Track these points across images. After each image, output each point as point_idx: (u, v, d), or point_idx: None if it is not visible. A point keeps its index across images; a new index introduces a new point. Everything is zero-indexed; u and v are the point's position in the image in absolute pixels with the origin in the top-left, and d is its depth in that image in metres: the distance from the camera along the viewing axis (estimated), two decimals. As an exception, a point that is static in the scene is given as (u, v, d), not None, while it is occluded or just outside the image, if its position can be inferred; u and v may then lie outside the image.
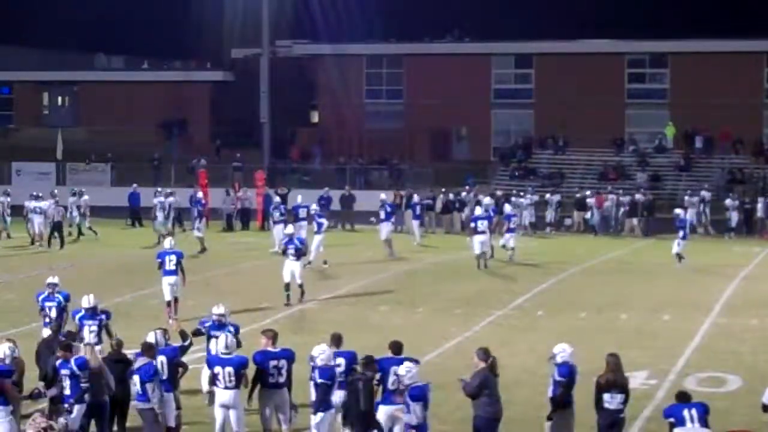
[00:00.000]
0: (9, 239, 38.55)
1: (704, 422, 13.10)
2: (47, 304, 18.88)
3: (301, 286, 26.31)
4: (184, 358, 15.80)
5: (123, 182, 49.88)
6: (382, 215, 36.20)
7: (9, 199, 39.93)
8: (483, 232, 32.54)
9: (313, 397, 14.31)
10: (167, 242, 25.79)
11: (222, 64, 68.28)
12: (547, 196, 46.35)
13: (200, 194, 40.05)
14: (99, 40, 70.70)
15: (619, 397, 14.12)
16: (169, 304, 24.30)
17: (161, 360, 14.99)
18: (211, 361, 14.95)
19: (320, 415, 14.17)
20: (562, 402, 14.38)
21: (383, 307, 26.23)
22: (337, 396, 14.52)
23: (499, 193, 45.25)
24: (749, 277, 32.13)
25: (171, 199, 39.31)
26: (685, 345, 22.20)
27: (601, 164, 54.82)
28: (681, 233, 33.57)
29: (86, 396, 14.50)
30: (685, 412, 13.14)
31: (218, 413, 14.72)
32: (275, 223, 34.99)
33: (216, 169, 51.12)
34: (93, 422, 14.76)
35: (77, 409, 14.42)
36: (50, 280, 19.16)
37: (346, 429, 14.22)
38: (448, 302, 26.96)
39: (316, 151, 58.61)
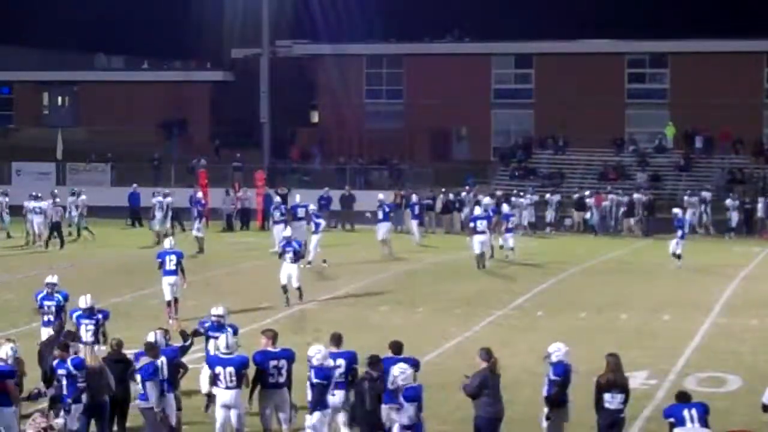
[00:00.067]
0: (9, 239, 38.53)
1: (704, 422, 13.10)
2: (46, 303, 18.87)
3: (299, 288, 26.26)
4: (184, 359, 15.79)
5: (123, 182, 49.88)
6: (380, 215, 36.22)
7: (7, 199, 39.95)
8: (482, 232, 32.56)
9: (309, 396, 14.33)
10: (167, 242, 25.79)
11: (222, 64, 68.28)
12: (547, 196, 46.36)
13: (200, 194, 40.06)
14: (99, 40, 70.70)
15: (620, 397, 14.12)
16: (169, 304, 24.29)
17: (161, 360, 14.98)
18: (212, 362, 14.94)
19: (316, 414, 14.18)
20: (557, 401, 14.38)
21: (383, 307, 26.23)
22: (337, 396, 14.52)
23: (498, 193, 45.26)
24: (749, 277, 32.13)
25: (169, 199, 39.30)
26: (685, 345, 22.20)
27: (601, 164, 54.83)
28: (679, 233, 33.58)
29: (83, 396, 14.49)
30: (685, 412, 13.13)
31: (219, 413, 14.71)
32: (275, 223, 34.99)
33: (216, 169, 51.13)
34: (93, 422, 14.76)
35: (75, 409, 14.42)
36: (49, 279, 19.15)
37: (354, 429, 14.21)
38: (448, 302, 26.96)
39: (315, 151, 58.61)
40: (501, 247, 34.56)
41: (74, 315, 17.98)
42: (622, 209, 44.53)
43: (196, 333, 16.73)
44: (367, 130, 60.18)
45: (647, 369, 19.72)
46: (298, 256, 26.43)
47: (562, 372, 14.43)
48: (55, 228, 36.81)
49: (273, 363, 14.67)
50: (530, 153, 56.69)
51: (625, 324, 24.53)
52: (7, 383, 13.95)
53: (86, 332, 17.54)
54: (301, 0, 60.29)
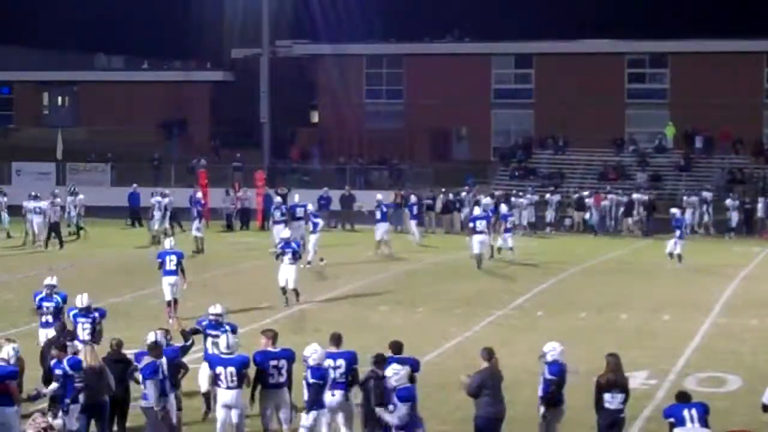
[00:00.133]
0: (9, 239, 38.53)
1: (704, 422, 13.09)
2: (45, 304, 18.85)
3: (295, 290, 26.23)
4: (184, 359, 15.78)
5: (123, 182, 49.88)
6: (378, 215, 36.25)
7: (5, 199, 39.96)
8: (482, 232, 32.57)
9: (305, 396, 14.33)
10: (167, 242, 25.81)
11: (222, 64, 68.29)
12: (547, 196, 46.37)
13: (199, 194, 40.05)
14: (99, 40, 70.71)
15: (620, 397, 14.12)
16: (169, 304, 24.30)
17: (162, 360, 14.98)
18: (213, 362, 14.94)
19: (312, 414, 14.18)
20: (553, 400, 14.37)
21: (383, 307, 26.23)
22: (337, 396, 14.51)
23: (497, 193, 45.26)
24: (749, 277, 32.13)
25: (167, 199, 39.27)
26: (685, 345, 22.20)
27: (601, 164, 54.85)
28: (677, 233, 33.59)
29: (81, 396, 14.47)
30: (685, 412, 13.13)
31: (220, 413, 14.71)
32: (275, 223, 34.98)
33: (216, 169, 51.14)
34: (93, 422, 14.75)
35: (73, 409, 14.41)
36: (48, 281, 19.10)
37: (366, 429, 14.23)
38: (448, 302, 26.96)
39: (315, 151, 58.63)
40: (499, 248, 34.54)
41: (71, 314, 17.99)
42: (621, 209, 44.53)
43: (195, 331, 16.72)
44: (367, 130, 60.18)
45: (647, 369, 19.72)
46: (296, 257, 26.40)
47: (558, 371, 14.43)
48: (53, 228, 36.79)
49: (273, 363, 14.67)
50: (530, 153, 56.71)
51: (625, 324, 24.53)
52: (9, 384, 13.95)
53: (83, 331, 17.55)
54: (301, 0, 60.31)
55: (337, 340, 14.96)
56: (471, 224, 33.31)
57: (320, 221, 33.73)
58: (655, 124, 57.64)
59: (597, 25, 61.17)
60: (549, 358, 14.50)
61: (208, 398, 16.18)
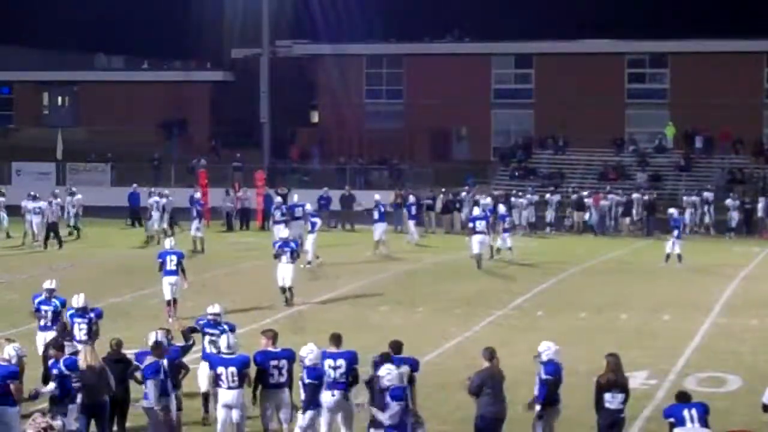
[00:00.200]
0: (8, 239, 38.55)
1: (704, 422, 13.09)
2: (43, 308, 18.83)
3: (290, 289, 26.20)
4: (185, 359, 15.78)
5: (123, 182, 49.90)
6: (376, 215, 36.27)
7: (4, 199, 39.97)
8: (481, 232, 32.59)
9: (302, 396, 14.33)
10: (168, 242, 25.83)
11: (222, 64, 68.29)
12: (547, 196, 46.36)
13: (198, 194, 40.01)
14: (99, 40, 70.72)
15: (620, 397, 14.12)
16: (168, 303, 24.31)
17: (164, 360, 14.97)
18: (214, 362, 14.94)
19: (309, 414, 14.18)
20: (550, 400, 14.37)
21: (383, 307, 26.23)
22: (337, 396, 14.51)
23: (495, 192, 45.24)
24: (749, 277, 32.13)
25: (165, 199, 39.25)
26: (685, 345, 22.20)
27: (601, 164, 54.85)
28: (675, 233, 33.58)
29: (79, 396, 14.45)
30: (685, 412, 13.13)
31: (220, 413, 14.71)
32: (276, 222, 34.99)
33: (216, 169, 51.15)
34: (93, 422, 14.75)
35: (71, 410, 14.40)
36: (47, 285, 19.03)
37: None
38: (448, 302, 26.96)
39: (314, 151, 58.63)
40: (498, 249, 34.53)
41: (67, 314, 17.97)
42: (620, 209, 44.52)
43: (193, 330, 16.67)
44: (367, 130, 60.19)
45: (647, 369, 19.72)
46: (294, 257, 26.34)
47: (554, 371, 14.42)
48: (51, 228, 36.79)
49: (273, 363, 14.67)
50: (530, 153, 56.71)
51: (625, 324, 24.53)
52: (11, 383, 13.96)
53: (79, 331, 17.54)
54: (301, 0, 60.31)
55: (337, 340, 14.96)
56: (470, 224, 33.32)
57: (318, 221, 33.74)
58: (655, 124, 57.65)
59: (597, 25, 61.18)
60: (544, 357, 14.50)
61: (207, 400, 16.14)
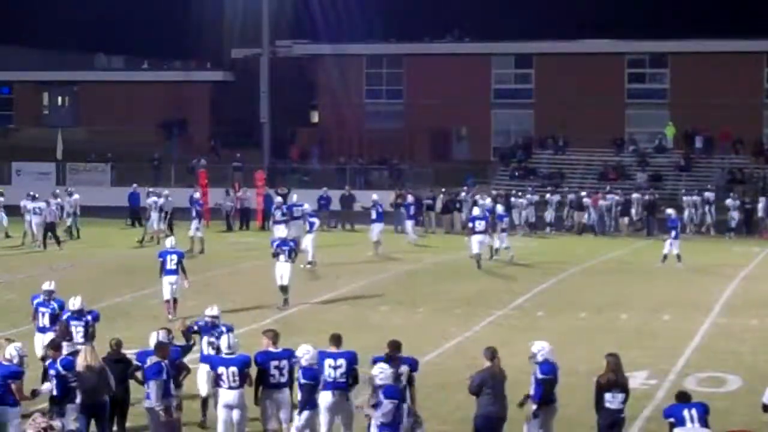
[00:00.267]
0: (7, 239, 38.55)
1: (704, 422, 13.10)
2: (41, 309, 18.82)
3: (287, 287, 26.08)
4: (185, 359, 15.77)
5: (123, 182, 49.90)
6: (373, 215, 36.29)
7: (3, 199, 39.97)
8: (481, 232, 32.59)
9: (298, 397, 14.32)
10: (168, 242, 25.83)
11: (222, 64, 68.32)
12: (547, 196, 46.36)
13: (197, 194, 39.97)
14: (99, 40, 70.74)
15: (620, 397, 14.12)
16: (168, 302, 24.32)
17: (166, 361, 14.95)
18: (215, 362, 14.94)
19: (305, 414, 14.18)
20: (546, 399, 14.38)
21: (383, 307, 26.23)
22: (338, 396, 14.51)
23: (494, 192, 45.23)
24: (749, 277, 32.12)
25: (162, 200, 39.22)
26: (685, 345, 22.20)
27: (601, 164, 54.87)
28: (673, 233, 33.57)
29: (78, 396, 14.44)
30: (685, 412, 13.13)
31: (221, 413, 14.71)
32: (276, 222, 35.00)
33: (216, 169, 51.15)
34: (93, 422, 14.75)
35: (69, 410, 14.39)
36: (46, 287, 18.99)
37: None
38: (448, 302, 26.95)
39: (314, 151, 58.64)
40: (497, 249, 34.51)
41: (64, 317, 17.93)
42: (619, 209, 44.50)
43: (195, 331, 16.63)
44: (367, 130, 60.21)
45: (647, 369, 19.72)
46: (292, 256, 26.27)
47: (549, 370, 14.42)
48: (49, 228, 36.78)
49: (274, 363, 14.66)
50: (530, 153, 56.73)
51: (625, 324, 24.53)
52: (13, 383, 13.96)
53: (76, 334, 17.49)
54: (301, 0, 60.32)
55: (337, 340, 14.95)
56: (470, 224, 33.31)
57: (316, 221, 33.72)
58: (655, 124, 57.67)
59: (597, 25, 61.20)
60: (539, 358, 14.49)
61: (206, 404, 16.09)
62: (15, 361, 14.31)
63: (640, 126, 58.74)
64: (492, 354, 14.46)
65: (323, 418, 14.59)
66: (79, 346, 16.28)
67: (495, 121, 61.26)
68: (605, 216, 44.04)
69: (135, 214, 44.13)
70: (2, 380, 13.95)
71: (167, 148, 59.29)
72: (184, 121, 63.41)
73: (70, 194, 40.54)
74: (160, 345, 14.87)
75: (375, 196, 38.55)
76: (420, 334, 22.38)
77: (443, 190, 45.55)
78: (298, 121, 64.05)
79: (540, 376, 14.39)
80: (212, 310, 16.72)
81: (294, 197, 37.62)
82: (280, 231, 33.57)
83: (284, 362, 14.70)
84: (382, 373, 13.73)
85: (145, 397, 14.63)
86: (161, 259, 24.58)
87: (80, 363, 14.58)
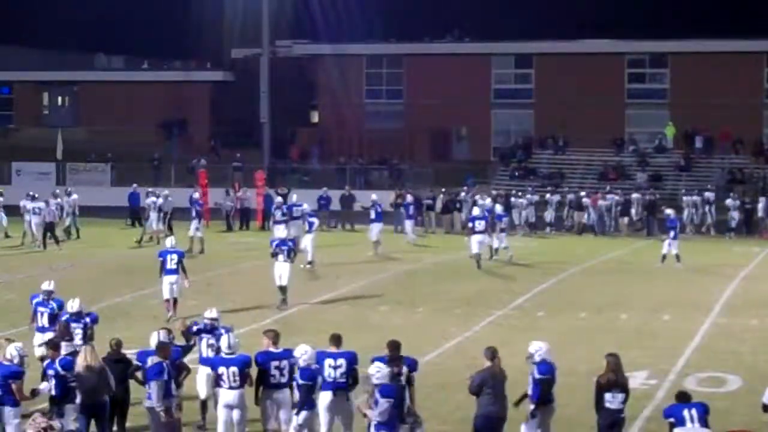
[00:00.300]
0: (7, 238, 38.55)
1: (704, 422, 13.09)
2: (40, 309, 18.83)
3: (285, 288, 26.03)
4: (185, 360, 15.77)
5: (123, 182, 49.90)
6: (372, 215, 36.29)
7: (2, 199, 39.98)
8: (480, 232, 32.59)
9: (296, 397, 14.32)
10: (168, 241, 25.84)
11: (222, 64, 68.32)
12: (547, 196, 46.35)
13: (196, 195, 39.95)
14: (99, 40, 70.74)
15: (620, 397, 14.12)
16: (167, 300, 24.33)
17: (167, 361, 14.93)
18: (215, 362, 14.94)
19: (303, 414, 14.17)
20: (544, 399, 14.38)
21: (383, 307, 26.23)
22: (338, 397, 14.51)
23: (494, 193, 45.23)
24: (749, 277, 32.12)
25: (160, 199, 39.22)
26: (685, 345, 22.20)
27: (601, 164, 54.87)
28: (671, 234, 33.57)
29: (77, 396, 14.44)
30: (685, 412, 13.13)
31: (222, 413, 14.70)
32: (276, 222, 35.00)
33: (216, 169, 51.15)
34: (93, 422, 14.75)
35: (68, 410, 14.37)
36: (45, 287, 18.99)
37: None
38: (448, 302, 26.95)
39: (314, 151, 58.64)
40: (496, 249, 34.50)
41: (63, 318, 17.91)
42: (619, 209, 44.50)
43: (196, 332, 16.62)
44: (367, 130, 60.21)
45: (647, 369, 19.72)
46: (290, 256, 26.24)
47: (547, 370, 14.42)
48: (48, 228, 36.79)
49: (275, 363, 14.65)
50: (530, 153, 56.72)
51: (625, 324, 24.53)
52: (14, 383, 13.96)
53: (75, 336, 17.48)
54: (301, 0, 60.32)
55: (337, 340, 14.95)
56: (470, 224, 33.30)
57: (315, 221, 33.72)
58: (655, 124, 57.67)
59: (597, 25, 61.21)
60: (537, 358, 14.48)
61: (205, 406, 16.07)
62: (16, 361, 14.30)
63: (640, 126, 58.74)
64: (492, 354, 14.46)
65: (323, 418, 14.59)
66: (78, 347, 16.25)
67: (495, 121, 61.27)
68: (605, 216, 44.03)
69: (135, 214, 44.13)
70: (3, 380, 13.96)
71: (167, 148, 59.29)
72: (184, 121, 63.41)
73: (69, 194, 40.54)
74: (161, 345, 14.86)
75: (374, 195, 38.55)
76: (420, 334, 22.38)
77: (443, 190, 45.54)
78: (298, 121, 64.05)
79: (538, 376, 14.39)
80: (211, 313, 16.65)
81: (294, 197, 37.61)
82: (280, 231, 33.58)
83: (285, 362, 14.69)
84: (378, 372, 13.74)
85: (146, 397, 14.63)
86: (161, 259, 24.58)
87: (80, 363, 14.56)
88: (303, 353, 14.29)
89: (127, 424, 15.25)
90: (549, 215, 44.76)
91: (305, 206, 35.63)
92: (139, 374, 15.08)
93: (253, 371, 14.78)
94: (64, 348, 15.89)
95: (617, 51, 59.71)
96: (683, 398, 13.45)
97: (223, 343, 14.99)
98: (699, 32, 57.12)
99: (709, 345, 22.44)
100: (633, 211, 44.59)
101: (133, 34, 69.86)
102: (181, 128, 62.99)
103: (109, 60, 74.86)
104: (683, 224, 41.46)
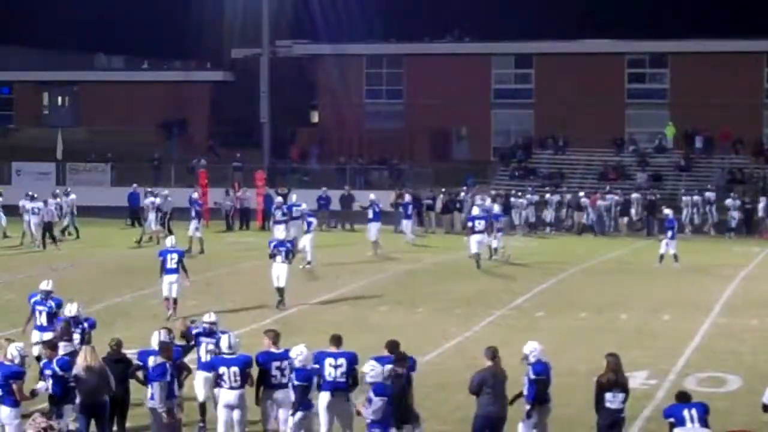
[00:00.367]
0: (6, 239, 38.54)
1: (704, 422, 13.10)
2: (38, 308, 18.82)
3: (283, 289, 25.99)
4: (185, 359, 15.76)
5: (123, 182, 49.88)
6: (370, 214, 36.28)
7: (1, 199, 39.97)
8: (480, 232, 32.59)
9: (291, 398, 14.32)
10: (168, 241, 25.85)
11: (222, 64, 68.30)
12: (547, 196, 46.35)
13: (195, 195, 39.94)
14: (99, 40, 70.73)
15: (621, 396, 14.12)
16: (167, 299, 24.33)
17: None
18: (215, 362, 14.93)
19: (299, 415, 14.17)
20: (540, 399, 14.38)
21: (383, 307, 26.22)
22: (337, 397, 14.51)
23: (492, 192, 45.23)
24: (749, 277, 32.12)
25: (159, 199, 39.22)
26: (685, 345, 22.20)
27: (601, 164, 54.85)
28: (669, 233, 33.56)
29: (77, 396, 14.42)
30: (685, 412, 13.14)
31: (222, 413, 14.70)
32: (277, 222, 35.00)
33: (216, 169, 51.14)
34: (93, 422, 14.74)
35: (66, 410, 14.36)
36: (44, 286, 18.97)
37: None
38: (448, 302, 26.95)
39: (313, 151, 58.63)
40: (495, 249, 34.51)
41: (63, 319, 17.87)
42: (619, 209, 44.49)
43: (191, 332, 16.58)
44: (367, 130, 60.20)
45: (647, 369, 19.72)
46: (289, 257, 26.20)
47: (543, 370, 14.43)
48: (46, 228, 36.78)
49: (276, 364, 14.65)
50: (530, 153, 56.71)
51: (625, 324, 24.53)
52: (14, 383, 13.95)
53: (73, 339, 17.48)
54: (301, 0, 60.32)
55: (337, 341, 14.94)
56: (470, 224, 33.30)
57: (314, 221, 33.73)
58: (655, 124, 57.66)
59: (597, 25, 61.20)
60: (532, 358, 14.49)
61: (204, 409, 16.06)
62: (17, 361, 14.30)
63: (640, 126, 58.73)
64: (493, 353, 14.47)
65: (322, 419, 14.59)
66: (77, 347, 16.23)
67: (495, 121, 61.26)
68: (604, 216, 44.03)
69: (135, 214, 44.12)
70: (4, 380, 13.96)
71: (167, 148, 59.28)
72: (184, 121, 63.40)
73: (67, 194, 40.55)
74: (164, 345, 14.84)
75: (372, 195, 38.52)
76: (420, 334, 22.37)
77: (443, 190, 45.53)
78: (298, 121, 64.04)
79: (533, 376, 14.40)
80: (210, 317, 16.56)
81: (293, 197, 37.61)
82: (280, 231, 33.58)
83: (286, 363, 14.67)
84: (372, 370, 13.75)
85: (149, 397, 14.61)
86: (161, 258, 24.60)
87: (80, 363, 14.55)
88: (298, 354, 14.28)
89: (127, 424, 15.25)
90: (549, 215, 44.77)
91: (303, 206, 35.62)
92: (139, 374, 15.08)
93: (254, 371, 14.77)
94: (63, 348, 15.87)
95: (617, 51, 59.70)
96: (683, 398, 13.46)
97: (224, 343, 14.98)
98: (699, 32, 57.11)
99: (709, 345, 22.44)
100: (633, 211, 44.60)
101: (133, 34, 69.86)
102: (181, 128, 62.99)
103: (109, 60, 74.85)
104: (682, 224, 41.49)
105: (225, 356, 14.81)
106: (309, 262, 31.98)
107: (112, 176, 54.55)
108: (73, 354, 15.32)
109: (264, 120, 55.85)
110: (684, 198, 45.03)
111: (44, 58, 69.51)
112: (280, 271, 25.85)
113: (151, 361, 14.77)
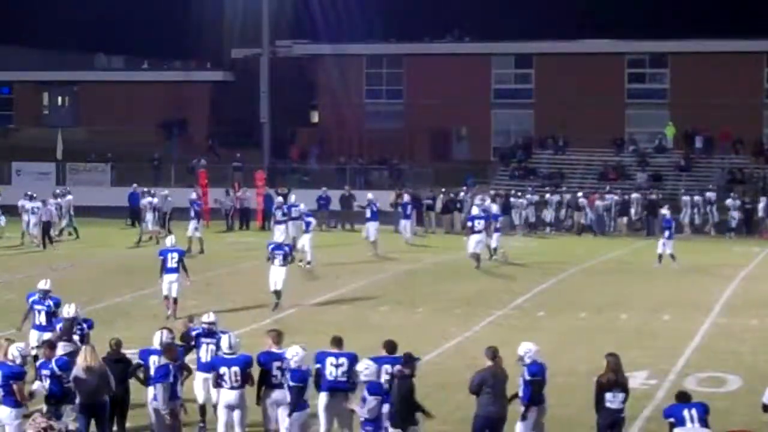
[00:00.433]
0: (5, 239, 38.55)
1: (704, 422, 13.10)
2: (36, 307, 18.81)
3: (280, 292, 25.95)
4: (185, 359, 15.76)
5: (123, 182, 49.89)
6: (368, 214, 36.27)
7: (0, 199, 39.99)
8: (479, 232, 32.59)
9: (287, 399, 14.31)
10: (168, 240, 25.86)
11: (222, 64, 68.29)
12: (547, 196, 46.35)
13: (194, 195, 39.91)
14: (99, 40, 70.73)
15: (621, 396, 14.12)
16: (167, 298, 24.33)
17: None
18: (216, 362, 14.92)
19: (295, 416, 14.17)
20: (536, 400, 14.38)
21: (383, 307, 26.23)
22: (337, 398, 14.51)
23: (492, 192, 45.22)
24: (749, 277, 32.12)
25: (157, 199, 39.20)
26: (685, 345, 22.20)
27: (601, 164, 54.83)
28: (666, 233, 33.56)
29: (75, 396, 14.41)
30: (685, 412, 13.14)
31: (222, 413, 14.70)
32: (277, 222, 35.01)
33: (216, 169, 51.14)
34: (93, 422, 14.74)
35: (66, 410, 14.34)
36: (42, 285, 18.96)
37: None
38: (448, 302, 26.95)
39: (313, 151, 58.62)
40: (495, 249, 34.50)
41: (58, 326, 17.85)
42: (618, 209, 44.48)
43: (191, 332, 16.57)
44: (367, 130, 60.19)
45: (647, 369, 19.72)
46: (287, 260, 26.16)
47: (538, 371, 14.43)
48: (44, 228, 36.77)
49: (277, 364, 14.64)
50: (530, 153, 56.69)
51: (625, 324, 24.53)
52: (15, 384, 13.95)
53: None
54: (301, 0, 60.31)
55: (338, 342, 14.93)
56: (469, 224, 33.30)
57: (313, 220, 33.73)
58: (655, 124, 57.65)
59: (597, 25, 61.19)
60: (527, 359, 14.49)
61: (204, 410, 16.05)
62: (18, 361, 14.29)
63: (640, 126, 58.72)
64: (493, 353, 14.47)
65: (322, 419, 14.59)
66: (80, 345, 16.22)
67: (495, 121, 61.25)
68: (604, 216, 44.03)
69: (135, 214, 44.08)
70: (4, 380, 13.95)
71: (167, 148, 59.27)
72: (184, 121, 63.39)
73: (64, 195, 40.54)
74: (168, 346, 14.82)
75: (370, 194, 38.49)
76: (420, 334, 22.38)
77: (443, 190, 45.53)
78: (298, 121, 64.03)
79: (528, 377, 14.41)
80: (209, 317, 16.55)
81: (292, 197, 37.61)
82: (280, 231, 33.59)
83: (286, 363, 14.67)
84: (367, 369, 13.76)
85: (152, 398, 14.60)
86: (162, 258, 24.60)
87: (80, 363, 14.54)
88: (294, 355, 14.26)
89: (127, 424, 15.25)
90: (549, 215, 44.77)
91: (302, 206, 35.62)
92: (140, 373, 15.07)
93: (255, 371, 14.77)
94: (62, 348, 15.86)
95: (617, 51, 59.70)
96: (683, 398, 13.46)
97: (224, 343, 14.97)
98: (699, 32, 57.09)
99: (709, 345, 22.44)
100: (632, 211, 44.60)
101: (133, 34, 69.84)
102: (181, 128, 62.98)
103: (109, 60, 74.84)
104: (680, 224, 41.50)
105: (225, 356, 14.81)
106: (309, 262, 31.98)
107: (112, 176, 54.53)
108: (72, 354, 15.29)
109: (264, 120, 55.84)
110: (684, 198, 45.04)
111: (44, 58, 69.50)
112: (277, 275, 25.79)
113: (153, 361, 14.76)
